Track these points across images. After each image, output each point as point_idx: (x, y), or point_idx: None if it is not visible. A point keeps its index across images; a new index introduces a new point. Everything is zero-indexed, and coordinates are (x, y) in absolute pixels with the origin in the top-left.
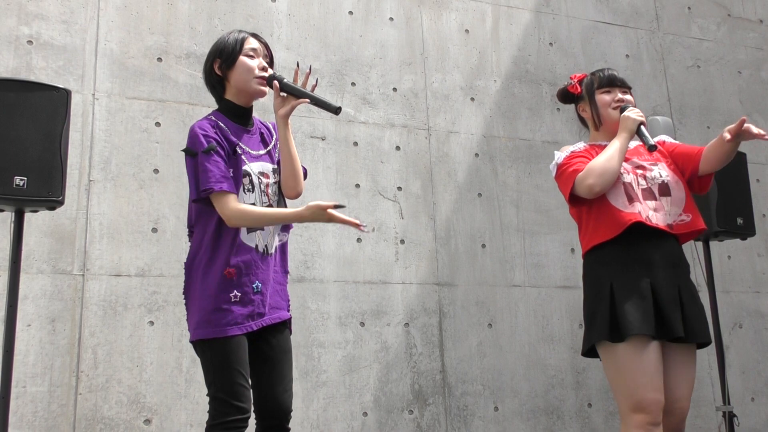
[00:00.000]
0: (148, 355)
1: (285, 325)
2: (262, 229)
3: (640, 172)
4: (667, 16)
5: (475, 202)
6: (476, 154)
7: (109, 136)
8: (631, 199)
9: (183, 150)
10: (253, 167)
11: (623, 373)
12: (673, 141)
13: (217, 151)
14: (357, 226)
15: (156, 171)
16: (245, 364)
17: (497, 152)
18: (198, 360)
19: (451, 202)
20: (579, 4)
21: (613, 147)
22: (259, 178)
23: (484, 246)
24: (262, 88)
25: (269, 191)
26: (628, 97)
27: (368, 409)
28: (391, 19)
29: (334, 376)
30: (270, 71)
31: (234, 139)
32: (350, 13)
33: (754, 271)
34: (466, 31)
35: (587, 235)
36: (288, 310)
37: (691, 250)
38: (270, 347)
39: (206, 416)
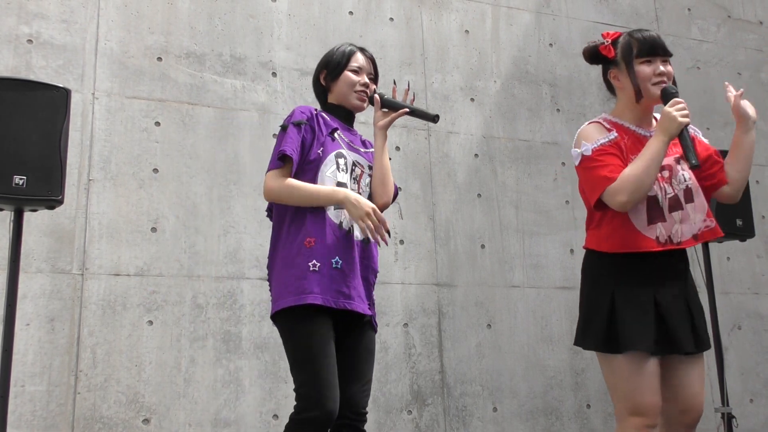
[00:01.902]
0: (146, 355)
1: (370, 323)
2: None
3: (666, 175)
4: (667, 18)
5: (475, 202)
6: (476, 155)
7: (109, 136)
8: (652, 218)
9: (280, 126)
10: (350, 154)
11: (620, 380)
12: (699, 136)
13: (305, 129)
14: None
15: (155, 170)
16: (330, 355)
17: (497, 153)
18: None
19: (451, 202)
20: (579, 5)
21: (650, 154)
22: (354, 165)
23: (483, 246)
24: (361, 103)
25: (361, 182)
26: (669, 68)
27: (367, 408)
28: (391, 19)
29: None
30: (373, 87)
31: (334, 125)
32: (350, 13)
33: (754, 273)
34: (466, 31)
35: (595, 234)
36: (371, 310)
37: (690, 251)
38: (355, 342)
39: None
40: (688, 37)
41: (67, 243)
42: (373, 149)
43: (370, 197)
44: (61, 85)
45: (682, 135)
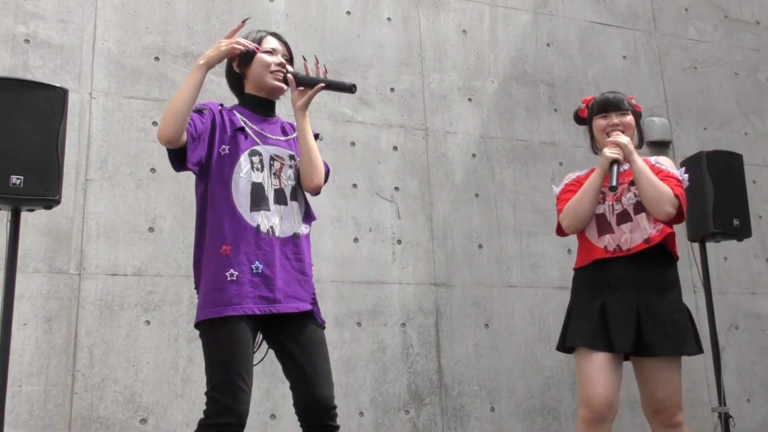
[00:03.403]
0: (144, 355)
1: (310, 317)
2: (268, 209)
3: (618, 195)
4: (664, 18)
5: (473, 202)
6: (473, 155)
7: (106, 136)
8: (601, 231)
9: None
10: (266, 149)
11: (577, 375)
12: (662, 167)
13: (204, 113)
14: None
15: (153, 170)
16: (245, 362)
17: (494, 153)
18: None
19: (449, 202)
20: (576, 5)
21: (586, 185)
22: (271, 160)
23: (481, 246)
24: (279, 84)
25: (282, 175)
26: (627, 119)
27: (365, 409)
28: (389, 19)
29: None
30: (288, 68)
31: (240, 123)
32: (348, 13)
33: (750, 273)
34: (464, 31)
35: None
36: (311, 303)
37: (688, 252)
38: (294, 341)
39: (201, 415)
40: (685, 37)
41: (65, 243)
42: (296, 131)
43: (300, 181)
44: (58, 85)
45: (611, 166)
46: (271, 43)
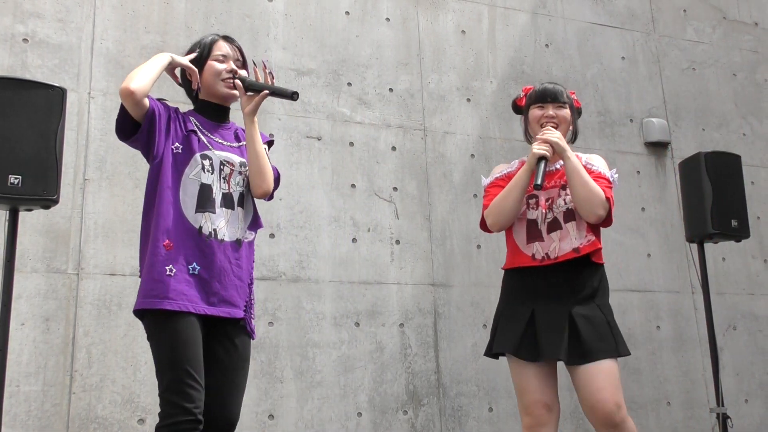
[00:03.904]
0: (142, 355)
1: (242, 327)
2: (213, 212)
3: (548, 202)
4: (662, 19)
5: (471, 202)
6: (472, 155)
7: (105, 135)
8: (530, 238)
9: None
10: (216, 153)
11: (513, 383)
12: (593, 167)
13: (165, 104)
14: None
15: None
16: (195, 359)
17: (493, 153)
18: None
19: (447, 202)
20: (575, 6)
21: (512, 182)
22: (222, 164)
23: (479, 247)
24: (230, 90)
25: (231, 180)
26: (563, 112)
27: (363, 409)
28: (388, 19)
29: (329, 376)
30: (240, 73)
31: (192, 126)
32: (347, 13)
33: (749, 273)
34: (463, 32)
35: None
36: (244, 310)
37: (686, 252)
38: (225, 351)
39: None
40: (684, 38)
41: (63, 243)
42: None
43: (249, 188)
44: (56, 85)
45: (538, 163)
46: (222, 48)
